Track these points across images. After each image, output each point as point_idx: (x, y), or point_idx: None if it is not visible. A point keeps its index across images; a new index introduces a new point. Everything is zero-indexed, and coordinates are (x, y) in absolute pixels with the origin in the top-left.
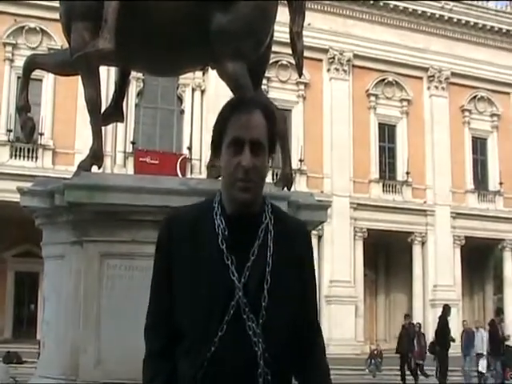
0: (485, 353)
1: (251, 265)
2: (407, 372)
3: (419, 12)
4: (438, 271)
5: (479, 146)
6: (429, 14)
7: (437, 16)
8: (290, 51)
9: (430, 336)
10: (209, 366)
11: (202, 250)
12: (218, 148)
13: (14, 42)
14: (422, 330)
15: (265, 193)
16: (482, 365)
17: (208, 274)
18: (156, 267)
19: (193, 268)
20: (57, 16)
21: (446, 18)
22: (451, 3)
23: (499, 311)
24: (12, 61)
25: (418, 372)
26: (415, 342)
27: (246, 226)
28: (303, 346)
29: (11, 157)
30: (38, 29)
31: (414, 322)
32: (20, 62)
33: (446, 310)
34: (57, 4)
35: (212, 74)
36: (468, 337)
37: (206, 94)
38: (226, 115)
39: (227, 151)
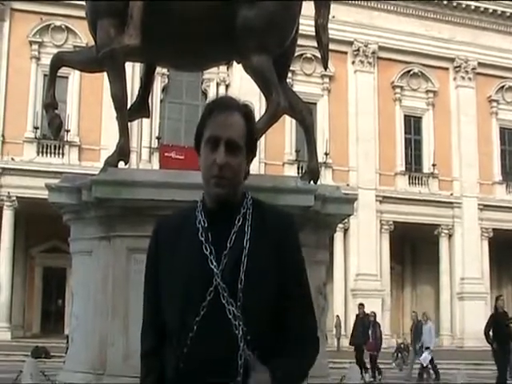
0: (432, 346)
1: (228, 252)
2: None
3: (444, 2)
4: (465, 264)
5: (507, 136)
6: (454, 4)
7: (463, 5)
8: (314, 44)
9: (457, 331)
10: (189, 352)
11: (182, 246)
12: (198, 145)
13: (40, 40)
14: (377, 320)
15: (291, 186)
16: (425, 358)
17: (186, 266)
18: (145, 272)
19: (174, 264)
20: (82, 14)
21: (472, 7)
22: None
23: None
24: (38, 59)
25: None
26: (370, 332)
27: (225, 218)
28: (286, 329)
29: (38, 154)
30: (63, 27)
31: (442, 315)
32: (46, 60)
33: (500, 301)
34: (82, 2)
35: (236, 68)
36: (416, 329)
37: (230, 89)
38: (206, 114)
39: (205, 149)
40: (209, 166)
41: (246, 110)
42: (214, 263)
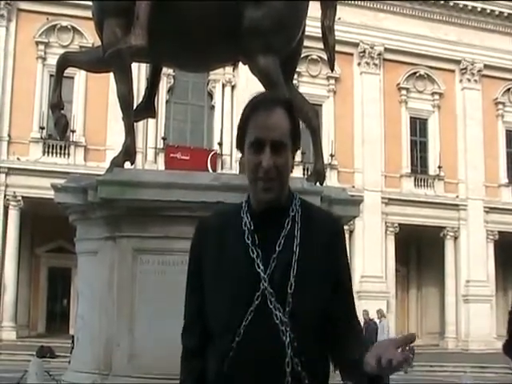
0: None
1: (277, 256)
2: None
3: (451, 4)
4: (470, 266)
5: None
6: (461, 6)
7: (469, 7)
8: (320, 45)
9: (462, 334)
10: (234, 356)
11: (228, 247)
12: (242, 147)
13: (46, 40)
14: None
15: (297, 188)
16: None
17: (233, 269)
18: (188, 270)
19: (219, 265)
20: (88, 14)
21: (478, 9)
22: None
23: None
24: (44, 59)
25: None
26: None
27: (273, 220)
28: (343, 334)
29: (44, 154)
30: (69, 27)
31: (447, 318)
32: (52, 61)
33: None
34: (88, 2)
35: (242, 69)
36: (367, 329)
37: (236, 90)
38: (247, 114)
39: (249, 151)
40: (254, 168)
41: (287, 104)
42: (261, 267)
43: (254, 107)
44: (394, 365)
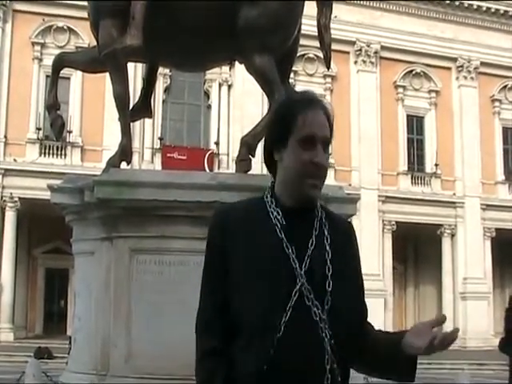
0: None
1: (311, 253)
2: None
3: (447, 1)
4: (468, 264)
5: (510, 136)
6: (457, 3)
7: (465, 5)
8: (316, 44)
9: (460, 331)
10: (276, 354)
11: (260, 240)
12: (281, 144)
13: (42, 41)
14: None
15: None
16: None
17: (269, 262)
18: (208, 263)
19: (251, 259)
20: (84, 14)
21: (474, 6)
22: None
23: None
24: (40, 60)
25: None
26: None
27: (302, 218)
28: (362, 333)
29: (40, 155)
30: (65, 28)
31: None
32: (48, 61)
33: None
34: (84, 3)
35: (239, 68)
36: None
37: (232, 89)
38: (294, 111)
39: (297, 147)
40: (304, 164)
41: (327, 107)
42: (297, 263)
43: (301, 105)
44: (446, 343)
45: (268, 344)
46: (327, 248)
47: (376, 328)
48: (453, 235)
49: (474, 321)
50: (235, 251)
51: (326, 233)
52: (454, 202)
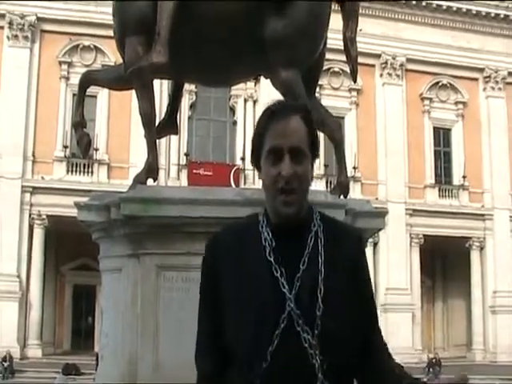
0: None
1: (301, 275)
2: None
3: (474, 12)
4: (497, 277)
5: None
6: (484, 14)
7: (492, 15)
8: (341, 58)
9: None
10: (264, 382)
11: (249, 265)
12: (258, 161)
13: (69, 60)
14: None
15: (320, 201)
16: None
17: (256, 289)
18: (203, 289)
19: (240, 283)
20: (110, 33)
21: (501, 16)
22: (507, 2)
23: None
24: (68, 79)
25: None
26: None
27: (294, 236)
28: (365, 349)
29: (67, 172)
30: (92, 46)
31: (474, 329)
32: (75, 80)
33: None
34: (110, 21)
35: (264, 84)
36: None
37: (258, 105)
38: (263, 124)
39: (266, 161)
40: (273, 179)
41: (304, 111)
42: (286, 286)
43: (270, 116)
44: None
45: (254, 373)
46: (320, 267)
47: (396, 362)
48: (482, 248)
49: (504, 335)
50: (225, 277)
51: (320, 249)
52: (482, 215)
